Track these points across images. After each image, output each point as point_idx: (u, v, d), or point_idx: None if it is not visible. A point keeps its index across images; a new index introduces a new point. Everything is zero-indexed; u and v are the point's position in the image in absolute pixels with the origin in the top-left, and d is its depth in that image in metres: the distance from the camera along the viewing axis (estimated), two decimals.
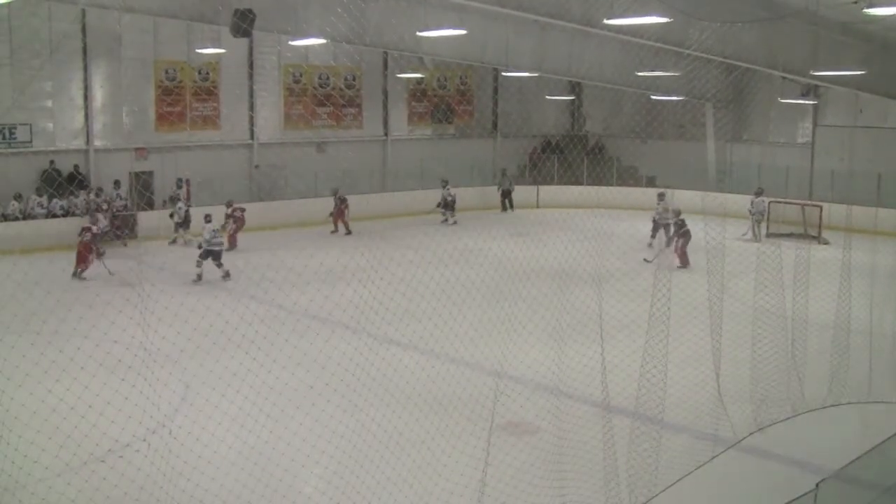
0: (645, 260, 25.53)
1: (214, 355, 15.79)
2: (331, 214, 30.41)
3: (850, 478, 7.88)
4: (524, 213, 35.03)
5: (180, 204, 28.34)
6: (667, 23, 20.06)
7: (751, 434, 13.16)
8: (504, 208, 36.62)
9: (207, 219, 23.59)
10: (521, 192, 37.03)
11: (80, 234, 23.39)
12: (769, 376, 13.90)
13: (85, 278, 22.82)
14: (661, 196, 28.36)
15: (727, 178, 35.88)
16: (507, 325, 15.54)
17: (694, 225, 24.32)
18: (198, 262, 23.04)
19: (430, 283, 17.74)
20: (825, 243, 28.33)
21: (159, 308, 13.54)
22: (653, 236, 27.83)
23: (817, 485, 6.95)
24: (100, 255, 23.07)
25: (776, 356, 14.14)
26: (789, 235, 29.37)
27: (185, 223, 27.93)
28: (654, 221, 28.00)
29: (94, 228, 23.87)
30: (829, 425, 13.49)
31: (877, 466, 8.17)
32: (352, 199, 31.12)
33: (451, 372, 15.12)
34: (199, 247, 23.31)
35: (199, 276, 22.99)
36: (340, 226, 30.37)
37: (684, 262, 24.52)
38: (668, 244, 25.86)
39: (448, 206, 32.94)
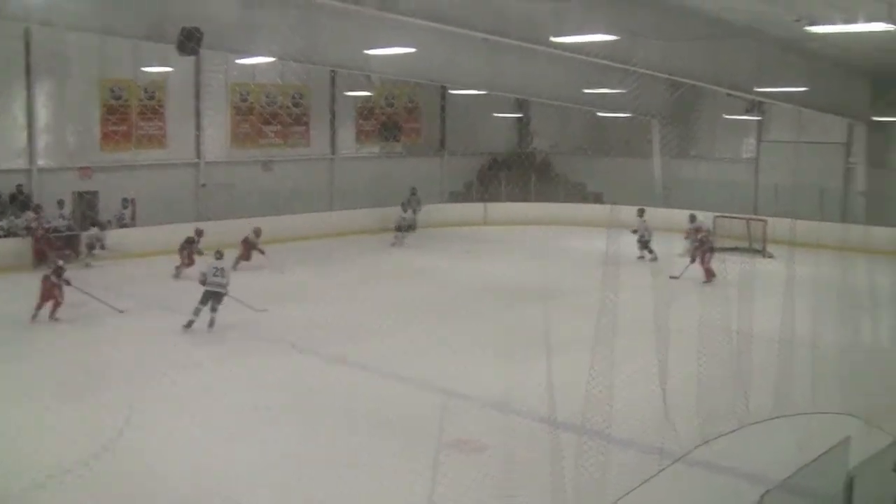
0: (671, 277, 23.73)
1: (159, 377, 15.58)
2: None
3: (794, 488, 7.93)
4: (473, 230, 35.05)
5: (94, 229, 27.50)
6: (613, 40, 20.24)
7: (697, 447, 13.20)
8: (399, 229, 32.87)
9: (217, 255, 20.04)
10: (469, 210, 37.02)
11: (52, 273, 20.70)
12: (715, 390, 13.98)
13: (58, 318, 20.07)
14: (640, 212, 28.52)
15: (673, 194, 36.22)
16: (455, 343, 15.57)
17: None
18: (196, 308, 19.05)
19: (378, 302, 17.75)
20: (770, 257, 28.63)
21: (104, 329, 13.40)
22: (640, 255, 27.91)
23: (762, 496, 7.00)
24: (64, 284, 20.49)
25: (721, 370, 14.24)
26: (734, 250, 29.68)
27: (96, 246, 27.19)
28: (640, 239, 28.21)
29: (60, 262, 20.71)
30: (774, 437, 13.58)
31: (820, 476, 8.23)
32: (299, 218, 30.98)
33: (398, 390, 15.07)
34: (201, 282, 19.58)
35: (190, 324, 19.02)
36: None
37: (709, 277, 24.68)
38: (692, 260, 25.98)
39: (402, 228, 31.83)
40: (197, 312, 18.91)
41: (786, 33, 22.85)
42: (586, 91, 32.52)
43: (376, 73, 33.14)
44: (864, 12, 16.30)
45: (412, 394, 14.99)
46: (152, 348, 15.51)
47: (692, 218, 28.98)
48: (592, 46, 21.70)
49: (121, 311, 20.09)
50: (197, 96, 32.54)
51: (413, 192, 35.69)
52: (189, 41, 19.67)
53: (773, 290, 16.09)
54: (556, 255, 26.09)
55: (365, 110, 38.10)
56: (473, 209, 37.38)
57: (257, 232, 26.82)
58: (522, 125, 43.70)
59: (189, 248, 25.54)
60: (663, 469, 12.34)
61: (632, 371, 14.08)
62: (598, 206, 36.19)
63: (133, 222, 29.60)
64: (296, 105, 35.71)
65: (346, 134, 37.72)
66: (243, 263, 25.73)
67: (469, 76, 30.61)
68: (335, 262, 26.31)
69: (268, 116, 34.62)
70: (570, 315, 17.52)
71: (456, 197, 40.47)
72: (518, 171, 39.49)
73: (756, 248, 30.46)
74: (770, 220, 30.46)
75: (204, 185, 32.70)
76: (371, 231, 32.74)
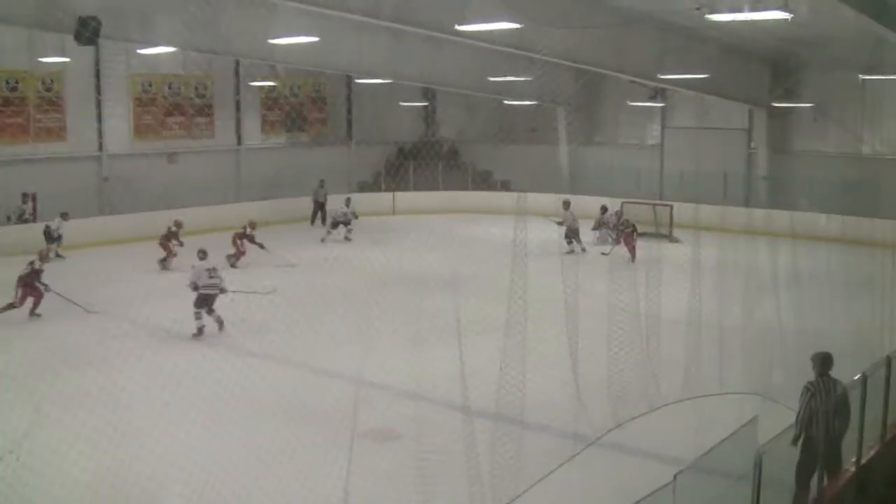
0: (603, 253, 26.92)
1: (65, 375, 15.20)
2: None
3: (705, 468, 8.05)
4: (382, 220, 34.92)
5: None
6: (517, 29, 20.33)
7: (610, 431, 13.38)
8: (314, 221, 34.50)
9: (201, 255, 19.37)
10: (377, 200, 36.87)
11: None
12: (625, 373, 14.18)
13: (39, 314, 20.06)
14: (566, 204, 28.75)
15: (580, 181, 36.56)
16: (366, 333, 15.48)
17: (548, 227, 24.74)
18: (196, 313, 18.50)
19: (287, 293, 17.57)
20: (676, 242, 29.11)
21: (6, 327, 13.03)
22: (570, 249, 28.12)
23: (675, 476, 7.08)
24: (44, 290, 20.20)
25: (631, 354, 14.44)
26: (641, 235, 30.10)
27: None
28: (568, 228, 28.39)
29: (37, 264, 20.34)
30: (685, 418, 13.79)
31: (730, 455, 8.36)
32: (205, 210, 30.55)
33: (310, 382, 14.98)
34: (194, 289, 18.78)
35: (201, 330, 18.47)
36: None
37: (634, 255, 26.56)
38: (616, 242, 27.93)
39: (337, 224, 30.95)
40: (199, 317, 18.42)
41: (687, 21, 23.23)
42: (492, 79, 32.68)
43: (281, 63, 32.84)
44: (762, 1, 16.62)
45: (324, 385, 14.90)
46: (53, 346, 15.13)
47: (603, 209, 29.32)
48: (497, 34, 21.81)
49: (92, 312, 19.72)
50: (97, 87, 31.77)
51: (321, 184, 35.42)
52: (86, 30, 19.17)
53: (679, 274, 16.35)
54: (465, 243, 26.15)
55: (269, 100, 37.69)
56: (381, 199, 37.27)
57: (252, 224, 26.79)
58: (429, 114, 43.69)
59: (172, 239, 25.76)
60: (577, 453, 12.49)
61: (544, 357, 14.21)
62: (505, 194, 36.36)
63: (34, 217, 28.82)
64: (200, 96, 35.18)
65: (252, 124, 37.27)
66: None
67: (374, 65, 30.50)
68: (246, 255, 26.00)
69: (171, 108, 34.03)
70: (481, 303, 17.59)
71: (364, 187, 40.30)
72: (425, 160, 39.46)
73: (662, 233, 30.95)
74: (675, 205, 30.98)
75: (107, 179, 32.01)
76: (279, 222, 32.40)
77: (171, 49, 26.01)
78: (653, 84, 33.95)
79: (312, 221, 34.45)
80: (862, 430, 10.53)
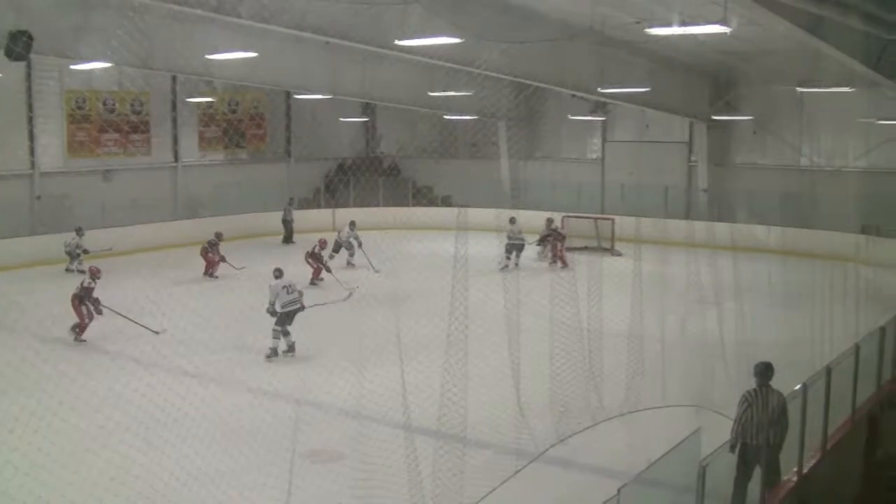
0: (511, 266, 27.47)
1: None
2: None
3: (649, 481, 8.00)
4: (320, 236, 34.62)
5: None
6: (458, 43, 20.27)
7: (553, 446, 13.29)
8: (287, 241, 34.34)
9: (277, 273, 18.65)
10: (316, 216, 36.57)
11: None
12: (568, 388, 14.12)
13: (84, 340, 19.27)
14: (512, 220, 28.76)
15: (521, 196, 36.60)
16: (306, 351, 15.28)
17: (489, 242, 24.71)
18: (275, 331, 17.76)
19: (225, 312, 17.30)
20: (618, 255, 29.23)
21: None
22: (507, 257, 28.03)
23: (619, 490, 7.02)
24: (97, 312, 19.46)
25: (574, 368, 14.38)
26: (583, 249, 30.24)
27: None
28: (508, 241, 28.37)
29: (87, 282, 19.57)
30: (628, 432, 13.78)
31: (674, 468, 8.34)
32: (141, 229, 30.08)
33: (249, 402, 14.71)
34: (271, 313, 17.97)
35: (275, 351, 17.74)
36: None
37: (564, 263, 27.21)
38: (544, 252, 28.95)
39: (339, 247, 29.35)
40: (277, 335, 17.74)
41: (627, 35, 23.34)
42: (433, 94, 32.63)
43: (218, 79, 32.49)
44: (700, 15, 16.71)
45: (263, 405, 14.64)
46: None
47: (512, 220, 29.27)
48: (437, 49, 21.75)
49: (157, 332, 18.86)
50: (29, 104, 31.12)
51: (290, 202, 35.37)
52: (16, 45, 18.72)
53: (621, 288, 16.37)
54: (405, 259, 26.01)
55: (207, 117, 37.24)
56: (321, 216, 36.95)
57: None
58: (369, 129, 43.57)
59: (213, 251, 26.49)
60: (520, 469, 12.37)
61: (485, 373, 14.12)
62: (446, 210, 36.31)
63: None
64: (135, 112, 34.61)
65: (189, 141, 36.77)
66: None
67: (313, 81, 30.31)
68: (181, 273, 25.60)
69: (106, 124, 33.48)
70: (422, 319, 17.45)
71: (303, 203, 40.00)
72: (365, 175, 39.28)
73: (604, 246, 31.08)
74: (617, 218, 31.11)
75: (39, 198, 31.38)
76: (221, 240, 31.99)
77: (105, 65, 25.58)
78: (593, 98, 34.12)
79: (285, 240, 34.24)
80: (803, 439, 10.55)
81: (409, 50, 22.04)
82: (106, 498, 10.99)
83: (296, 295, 18.15)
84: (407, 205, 38.60)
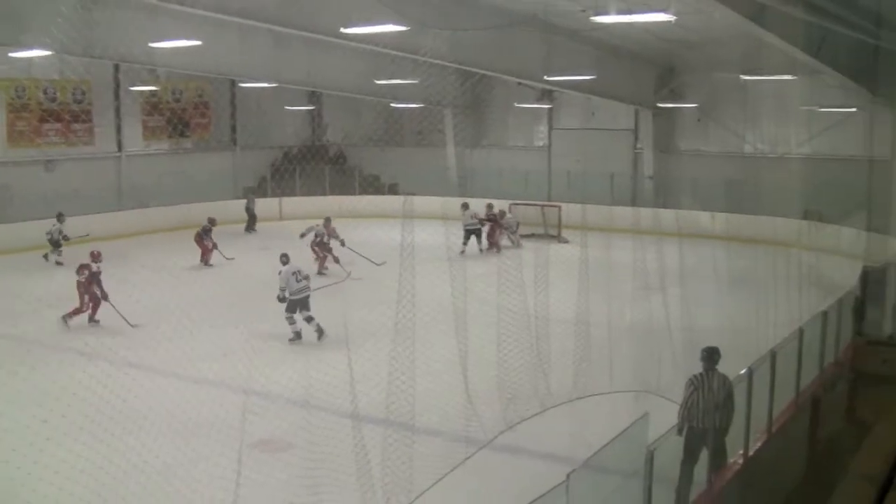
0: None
1: None
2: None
3: (597, 466, 8.03)
4: (267, 226, 34.45)
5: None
6: (403, 31, 20.22)
7: (501, 433, 13.34)
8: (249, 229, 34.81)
9: (284, 259, 19.08)
10: (263, 205, 36.32)
11: (77, 273, 19.70)
12: (516, 375, 14.17)
13: (97, 321, 19.46)
14: (464, 206, 29.08)
15: (468, 183, 36.64)
16: (253, 341, 15.17)
17: (435, 230, 24.64)
18: (288, 318, 18.14)
19: (172, 302, 17.12)
20: (565, 242, 29.34)
21: None
22: (465, 243, 28.26)
23: (568, 476, 7.03)
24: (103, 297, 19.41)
25: (521, 354, 14.43)
26: (530, 236, 30.36)
27: None
28: (465, 230, 28.61)
29: (94, 267, 19.67)
30: (576, 417, 13.86)
31: (621, 453, 8.38)
32: (84, 219, 29.65)
33: (197, 393, 14.56)
34: (281, 299, 18.29)
35: (298, 334, 18.10)
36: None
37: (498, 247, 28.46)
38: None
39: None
40: (293, 321, 18.06)
41: (572, 23, 23.42)
42: (378, 82, 32.54)
43: (162, 67, 32.09)
44: (645, 3, 16.82)
45: (210, 395, 14.50)
46: None
47: (464, 206, 29.33)
48: (383, 37, 21.68)
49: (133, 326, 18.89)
50: None
51: (252, 190, 35.76)
52: None
53: (568, 275, 16.43)
54: (352, 247, 25.92)
55: (150, 106, 36.78)
56: (267, 205, 36.73)
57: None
58: (315, 117, 43.35)
59: (206, 237, 26.90)
60: (469, 457, 12.40)
61: (433, 361, 14.12)
62: (393, 198, 36.26)
63: None
64: (77, 101, 34.12)
65: (133, 130, 36.29)
66: None
67: (258, 69, 30.11)
68: (127, 264, 25.28)
69: (46, 114, 32.95)
70: (369, 307, 17.41)
71: (249, 192, 39.68)
72: (312, 164, 39.10)
73: (551, 233, 31.21)
74: (564, 205, 31.24)
75: None
76: (164, 230, 31.68)
77: (45, 53, 25.14)
78: (539, 86, 34.25)
79: (248, 229, 34.38)
80: (748, 422, 10.67)
81: (355, 38, 21.95)
82: (51, 493, 10.82)
83: (305, 283, 18.34)
84: (353, 193, 38.46)
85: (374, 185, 40.99)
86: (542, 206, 32.52)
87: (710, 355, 10.59)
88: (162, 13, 21.41)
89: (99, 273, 19.53)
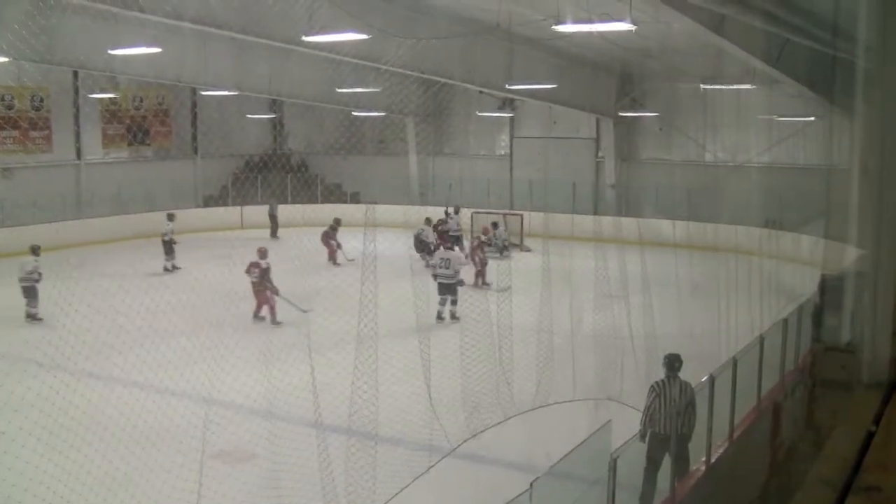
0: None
1: None
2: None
3: (561, 474, 8.03)
4: (229, 235, 34.17)
5: None
6: (365, 40, 20.21)
7: (465, 441, 13.33)
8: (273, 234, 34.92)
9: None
10: (224, 214, 36.13)
11: (247, 272, 20.33)
12: (479, 383, 14.17)
13: (280, 322, 20.22)
14: (447, 214, 29.59)
15: (430, 192, 36.66)
16: (215, 351, 15.04)
17: (397, 238, 24.64)
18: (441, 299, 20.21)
19: (130, 312, 16.96)
20: (527, 251, 29.39)
21: None
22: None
23: (531, 484, 7.03)
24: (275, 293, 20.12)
25: (484, 363, 14.43)
26: (489, 244, 30.35)
27: None
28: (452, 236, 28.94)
29: (264, 263, 20.48)
30: (539, 425, 13.88)
31: (584, 461, 8.39)
32: (44, 228, 29.34)
33: (157, 403, 14.41)
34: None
35: (440, 314, 20.01)
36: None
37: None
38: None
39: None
40: (443, 302, 20.07)
41: (534, 32, 23.48)
42: (340, 90, 32.49)
43: (122, 74, 31.88)
44: (606, 13, 16.89)
45: (172, 405, 14.38)
46: None
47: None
48: (344, 45, 21.67)
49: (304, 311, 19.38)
50: None
51: (275, 196, 35.52)
52: None
53: (530, 283, 16.46)
54: (314, 255, 25.84)
55: (110, 113, 36.48)
56: (229, 213, 36.53)
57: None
58: (276, 126, 43.19)
59: (333, 237, 28.15)
60: (433, 465, 12.38)
61: (396, 369, 14.09)
62: (355, 206, 36.20)
63: None
64: (35, 108, 33.77)
65: (92, 138, 35.96)
66: None
67: (219, 77, 29.95)
68: (86, 273, 25.01)
69: (3, 121, 32.57)
70: (331, 316, 17.33)
71: (210, 201, 39.48)
72: (274, 172, 38.95)
73: (513, 242, 31.23)
74: (525, 214, 31.30)
75: None
76: (124, 238, 31.40)
77: (2, 59, 24.91)
78: (501, 95, 34.32)
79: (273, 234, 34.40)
80: (711, 429, 10.72)
81: (317, 46, 21.92)
82: None
83: (451, 271, 20.06)
84: (315, 202, 38.35)
85: (335, 194, 40.92)
86: (504, 214, 32.58)
87: (672, 362, 10.68)
88: (122, 20, 21.29)
89: (268, 269, 20.26)
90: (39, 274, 21.30)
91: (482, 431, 13.67)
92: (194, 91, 38.19)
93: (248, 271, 20.34)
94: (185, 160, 39.68)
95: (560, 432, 11.87)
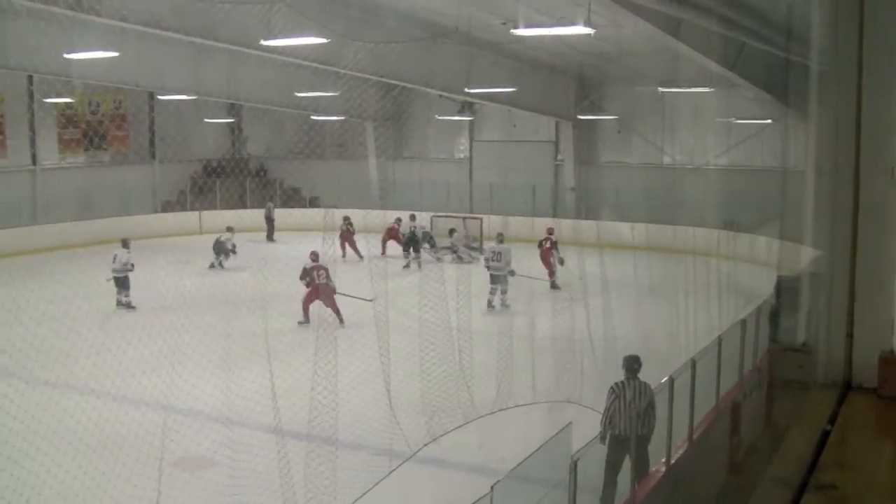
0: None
1: None
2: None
3: (522, 477, 8.04)
4: (187, 240, 33.98)
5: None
6: (324, 43, 20.15)
7: (425, 445, 13.31)
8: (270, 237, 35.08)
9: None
10: (182, 219, 35.89)
11: (305, 276, 19.51)
12: (439, 387, 14.16)
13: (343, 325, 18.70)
14: (412, 217, 29.58)
15: (390, 195, 36.60)
16: (173, 357, 14.92)
17: (358, 242, 24.63)
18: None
19: (86, 319, 16.81)
20: None
21: None
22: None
23: (492, 487, 7.02)
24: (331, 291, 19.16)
25: (444, 367, 14.43)
26: (447, 248, 30.36)
27: None
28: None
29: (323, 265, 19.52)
30: (500, 429, 13.89)
31: (545, 463, 8.40)
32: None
33: (114, 411, 14.27)
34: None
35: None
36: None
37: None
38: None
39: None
40: (493, 292, 20.98)
41: (493, 36, 23.56)
42: (299, 94, 32.39)
43: (78, 79, 31.54)
44: (565, 16, 16.96)
45: (130, 413, 14.26)
46: None
47: (412, 217, 29.48)
48: (303, 49, 21.59)
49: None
50: None
51: (271, 199, 35.92)
52: None
53: (489, 286, 16.47)
54: (272, 260, 25.70)
55: (65, 118, 36.06)
56: (187, 218, 36.27)
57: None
58: (235, 130, 42.94)
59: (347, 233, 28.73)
60: (393, 470, 12.34)
61: (356, 374, 14.05)
62: (313, 211, 36.10)
63: None
64: None
65: (48, 143, 35.54)
66: None
67: (177, 81, 29.73)
68: (43, 279, 24.73)
69: None
70: (290, 322, 17.27)
71: (168, 206, 39.17)
72: (232, 177, 38.73)
73: (473, 245, 31.22)
74: (485, 217, 31.34)
75: None
76: (81, 244, 31.03)
77: None
78: (460, 98, 34.34)
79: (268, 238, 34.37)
80: (671, 430, 10.77)
81: (275, 50, 21.83)
82: None
83: (502, 263, 20.92)
84: (275, 206, 38.16)
85: (294, 199, 40.77)
86: (464, 218, 32.60)
87: (631, 364, 10.75)
88: (78, 24, 21.04)
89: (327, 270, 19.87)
90: (132, 265, 23.29)
91: (442, 435, 13.65)
92: (152, 95, 37.88)
93: (306, 276, 19.70)
94: (143, 165, 39.33)
95: (520, 435, 11.89)
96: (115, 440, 13.21)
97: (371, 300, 18.27)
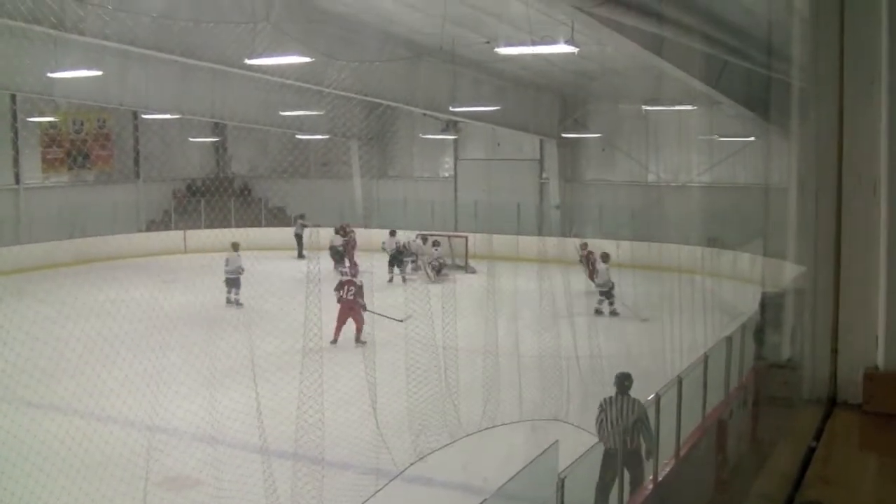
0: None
1: None
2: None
3: (508, 495, 8.03)
4: (172, 259, 33.89)
5: None
6: (308, 62, 20.18)
7: (412, 464, 13.26)
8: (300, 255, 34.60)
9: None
10: (167, 238, 35.80)
11: (338, 290, 19.26)
12: (425, 405, 14.12)
13: (364, 342, 18.27)
14: (392, 233, 29.69)
15: (375, 214, 36.62)
16: (159, 377, 14.86)
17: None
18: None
19: (70, 339, 16.71)
20: (472, 272, 29.43)
21: None
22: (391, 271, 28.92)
23: None
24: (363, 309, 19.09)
25: (430, 385, 14.40)
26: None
27: None
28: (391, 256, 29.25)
29: (358, 281, 19.60)
30: (487, 447, 13.86)
31: (532, 481, 8.40)
32: None
33: (99, 432, 14.18)
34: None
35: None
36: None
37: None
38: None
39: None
40: (601, 303, 23.20)
41: (477, 55, 23.63)
42: (284, 113, 32.39)
43: (62, 98, 31.48)
44: (547, 34, 17.04)
45: (114, 433, 14.16)
46: None
47: (392, 233, 29.55)
48: (287, 68, 21.61)
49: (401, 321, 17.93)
50: None
51: (301, 216, 35.37)
52: None
53: (476, 304, 16.47)
54: (258, 280, 25.61)
55: (49, 137, 35.95)
56: (172, 237, 36.18)
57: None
58: (219, 149, 42.90)
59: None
60: (380, 489, 12.30)
61: (342, 393, 14.01)
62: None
63: None
64: None
65: (31, 163, 35.41)
66: None
67: (161, 100, 29.70)
68: (27, 299, 24.63)
69: None
70: (276, 340, 17.21)
71: (153, 225, 39.07)
72: (217, 196, 38.65)
73: (458, 263, 31.26)
74: (470, 236, 31.36)
75: None
76: (65, 264, 30.94)
77: None
78: (445, 117, 34.42)
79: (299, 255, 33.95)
80: (658, 447, 10.78)
81: (259, 69, 21.83)
82: None
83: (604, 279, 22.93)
84: (259, 225, 38.14)
85: (278, 217, 40.73)
86: (449, 236, 32.62)
87: (622, 381, 10.86)
88: (61, 43, 21.03)
89: (362, 287, 19.51)
90: (242, 268, 25.14)
91: (429, 454, 13.61)
92: (136, 114, 37.80)
93: (340, 289, 19.45)
94: (127, 184, 39.25)
95: (507, 453, 11.87)
96: (99, 460, 13.11)
97: (402, 320, 18.15)
